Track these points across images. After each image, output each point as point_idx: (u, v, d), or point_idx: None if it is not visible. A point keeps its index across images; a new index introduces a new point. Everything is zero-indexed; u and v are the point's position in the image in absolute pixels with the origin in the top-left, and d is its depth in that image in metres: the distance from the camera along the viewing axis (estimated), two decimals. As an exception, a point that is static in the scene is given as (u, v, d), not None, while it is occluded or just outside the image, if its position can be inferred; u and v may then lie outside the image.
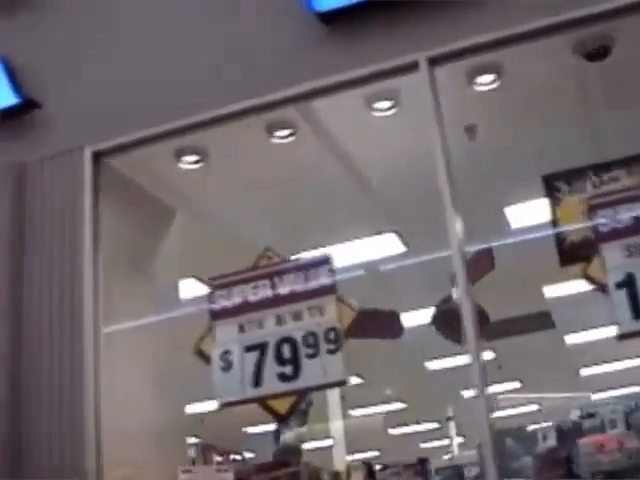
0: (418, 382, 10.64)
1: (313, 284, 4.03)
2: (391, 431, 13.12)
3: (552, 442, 5.28)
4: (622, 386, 11.38)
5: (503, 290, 5.36)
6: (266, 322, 4.06)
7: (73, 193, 4.48)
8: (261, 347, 4.01)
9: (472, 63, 4.19)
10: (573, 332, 10.03)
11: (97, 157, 4.54)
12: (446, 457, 9.44)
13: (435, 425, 13.36)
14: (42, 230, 4.50)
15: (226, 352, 4.07)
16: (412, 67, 4.07)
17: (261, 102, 4.32)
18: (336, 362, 3.90)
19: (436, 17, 4.06)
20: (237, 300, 4.14)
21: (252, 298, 4.12)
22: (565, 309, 8.60)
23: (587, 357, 10.77)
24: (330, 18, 4.21)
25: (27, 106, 4.67)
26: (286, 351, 3.97)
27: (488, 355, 9.94)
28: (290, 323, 4.01)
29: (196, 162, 4.77)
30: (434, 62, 4.04)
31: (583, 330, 9.91)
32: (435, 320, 4.82)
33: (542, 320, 9.18)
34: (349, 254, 4.97)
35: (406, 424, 12.84)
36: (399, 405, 11.97)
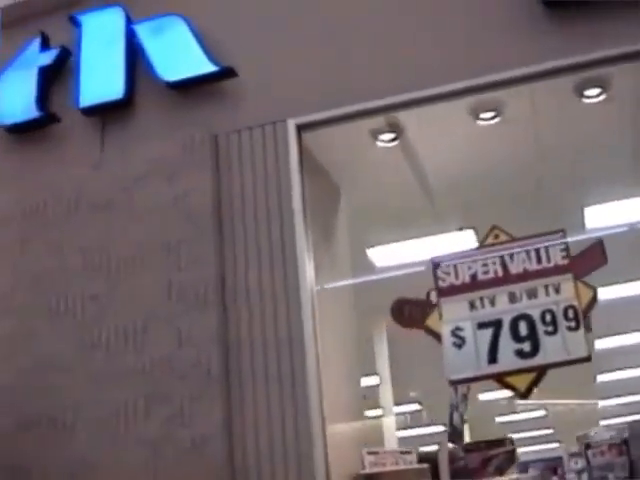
0: (437, 383, 10.66)
1: (548, 263, 4.06)
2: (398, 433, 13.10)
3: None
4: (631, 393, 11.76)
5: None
6: (498, 299, 4.07)
7: (277, 164, 4.40)
8: (495, 324, 4.02)
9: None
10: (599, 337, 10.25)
11: (298, 130, 4.47)
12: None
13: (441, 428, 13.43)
14: (243, 201, 4.40)
15: (457, 329, 4.06)
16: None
17: (468, 85, 4.32)
18: (578, 339, 3.94)
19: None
20: (466, 278, 4.14)
21: (482, 276, 4.13)
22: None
23: (606, 363, 11.01)
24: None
25: (223, 74, 4.54)
26: (522, 328, 3.98)
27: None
28: (524, 301, 4.04)
29: (392, 140, 4.74)
30: (661, 50, 4.15)
31: (609, 336, 10.11)
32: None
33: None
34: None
35: (417, 426, 12.86)
36: (414, 406, 12.00)
